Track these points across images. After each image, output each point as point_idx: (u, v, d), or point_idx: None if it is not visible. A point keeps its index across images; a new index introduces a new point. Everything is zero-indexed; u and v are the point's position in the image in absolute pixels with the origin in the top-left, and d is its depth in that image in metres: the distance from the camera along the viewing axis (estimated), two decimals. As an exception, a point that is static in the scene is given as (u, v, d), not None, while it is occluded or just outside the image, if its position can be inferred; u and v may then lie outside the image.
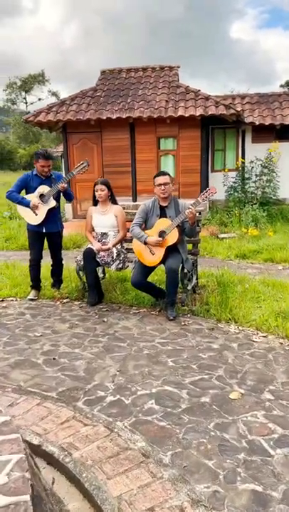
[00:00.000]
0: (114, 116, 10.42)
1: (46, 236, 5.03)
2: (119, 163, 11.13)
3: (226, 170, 11.70)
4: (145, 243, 4.43)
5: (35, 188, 4.83)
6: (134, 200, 11.15)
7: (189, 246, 5.10)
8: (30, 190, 4.88)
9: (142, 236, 4.44)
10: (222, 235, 9.04)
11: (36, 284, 5.11)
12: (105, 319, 4.37)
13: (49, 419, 2.65)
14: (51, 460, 2.33)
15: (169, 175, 4.49)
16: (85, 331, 4.09)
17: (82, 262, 4.71)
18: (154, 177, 4.49)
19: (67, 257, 5.57)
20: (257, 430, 2.53)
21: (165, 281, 4.41)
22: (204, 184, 11.01)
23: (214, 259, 7.31)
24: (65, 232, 5.94)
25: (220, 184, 11.13)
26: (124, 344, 3.78)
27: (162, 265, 4.52)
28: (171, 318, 4.34)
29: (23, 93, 57.58)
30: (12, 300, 5.02)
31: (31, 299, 4.99)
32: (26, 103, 54.83)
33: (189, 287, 4.86)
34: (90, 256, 4.65)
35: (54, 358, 3.51)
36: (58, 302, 4.93)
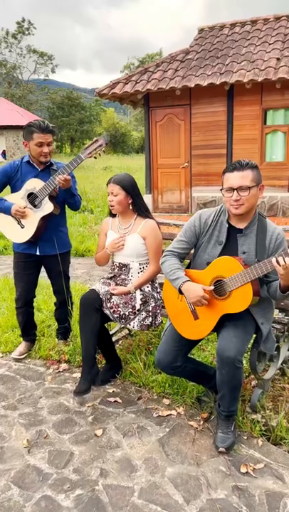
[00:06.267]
0: (204, 83, 8.07)
1: (43, 262, 3.19)
2: (212, 143, 8.79)
3: None
4: (180, 292, 2.31)
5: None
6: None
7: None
8: (17, 186, 3.05)
9: (176, 277, 2.31)
10: None
11: (27, 333, 3.34)
12: (100, 431, 2.39)
13: None
14: None
15: (252, 168, 2.16)
16: (48, 461, 2.17)
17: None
18: (224, 172, 2.22)
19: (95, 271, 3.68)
20: None
21: (216, 374, 2.26)
22: None
23: None
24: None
25: None
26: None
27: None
28: (221, 449, 2.20)
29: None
30: (-9, 355, 3.33)
31: (16, 359, 3.24)
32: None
33: (268, 376, 2.61)
34: (90, 305, 2.68)
35: None
36: (51, 369, 3.10)
